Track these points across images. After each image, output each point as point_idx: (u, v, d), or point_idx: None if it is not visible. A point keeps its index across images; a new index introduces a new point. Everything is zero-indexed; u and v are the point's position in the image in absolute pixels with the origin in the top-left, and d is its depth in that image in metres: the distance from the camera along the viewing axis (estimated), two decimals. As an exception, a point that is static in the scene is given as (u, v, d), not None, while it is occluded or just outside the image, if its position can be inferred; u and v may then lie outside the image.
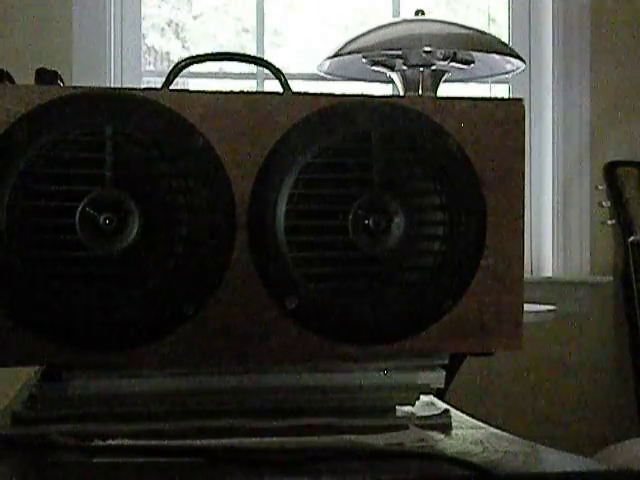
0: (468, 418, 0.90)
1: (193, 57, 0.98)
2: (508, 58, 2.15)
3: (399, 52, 2.11)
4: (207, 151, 0.79)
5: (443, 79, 2.16)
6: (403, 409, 0.88)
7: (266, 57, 2.47)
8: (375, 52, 2.11)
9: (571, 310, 2.70)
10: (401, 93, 2.18)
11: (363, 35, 2.12)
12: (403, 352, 0.84)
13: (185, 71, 0.96)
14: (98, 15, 2.53)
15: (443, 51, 2.10)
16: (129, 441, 0.75)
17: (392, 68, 2.16)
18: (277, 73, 0.94)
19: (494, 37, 2.17)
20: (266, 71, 0.97)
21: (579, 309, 2.72)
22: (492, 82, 2.68)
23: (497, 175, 0.85)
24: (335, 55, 2.15)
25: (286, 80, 0.93)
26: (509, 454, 0.75)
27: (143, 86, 2.56)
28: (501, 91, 2.81)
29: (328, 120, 0.82)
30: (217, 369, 0.82)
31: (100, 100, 0.78)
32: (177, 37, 2.84)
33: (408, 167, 0.83)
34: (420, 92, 2.12)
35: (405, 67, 2.14)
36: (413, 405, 0.88)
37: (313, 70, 2.29)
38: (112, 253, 0.78)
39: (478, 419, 0.89)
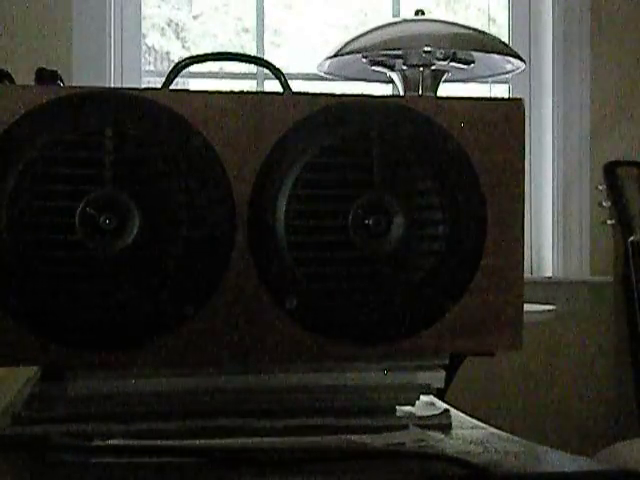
0: (468, 418, 0.90)
1: (193, 57, 0.98)
2: (508, 58, 2.15)
3: (399, 52, 2.11)
4: (207, 151, 0.79)
5: (443, 79, 2.16)
6: (403, 409, 0.88)
7: (266, 57, 2.47)
8: (375, 52, 2.11)
9: (571, 310, 2.70)
10: (401, 93, 2.18)
11: (363, 35, 2.12)
12: (403, 352, 0.84)
13: (185, 71, 0.96)
14: (98, 15, 2.53)
15: (443, 51, 2.10)
16: (129, 441, 0.75)
17: (392, 68, 2.16)
18: (277, 73, 0.94)
19: (494, 37, 2.17)
20: (266, 71, 0.97)
21: (579, 309, 2.72)
22: (492, 82, 2.68)
23: (497, 175, 0.85)
24: (335, 55, 2.14)
25: (286, 80, 0.93)
26: (509, 454, 0.75)
27: (143, 86, 2.56)
28: (501, 91, 2.81)
29: (328, 120, 0.82)
30: (217, 369, 0.82)
31: (100, 100, 0.78)
32: (177, 37, 2.84)
33: (408, 167, 0.83)
34: (420, 92, 2.12)
35: (405, 67, 2.14)
36: (413, 405, 0.88)
37: (313, 70, 2.29)
38: (112, 253, 0.78)
39: (478, 419, 0.89)
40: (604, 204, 2.70)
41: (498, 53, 2.12)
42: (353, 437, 0.79)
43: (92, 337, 0.78)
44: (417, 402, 0.88)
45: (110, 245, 0.78)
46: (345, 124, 0.82)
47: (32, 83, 0.84)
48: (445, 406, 0.91)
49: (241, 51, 2.72)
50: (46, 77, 0.87)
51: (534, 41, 2.78)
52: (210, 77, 2.74)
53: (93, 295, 0.78)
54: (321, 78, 2.31)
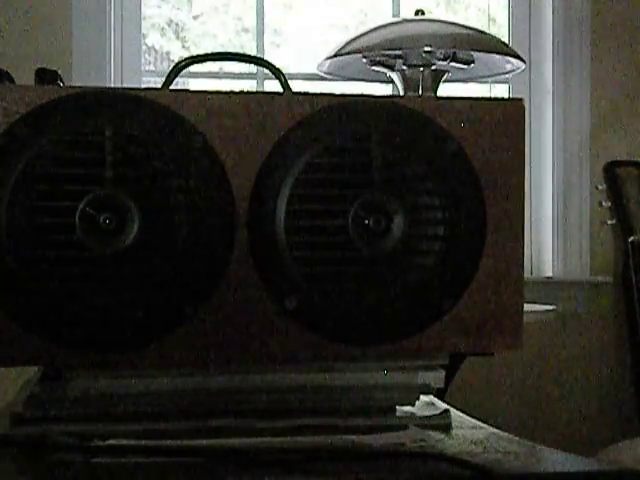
0: (468, 418, 0.90)
1: (193, 57, 0.98)
2: (508, 58, 2.15)
3: (399, 52, 2.12)
4: (207, 151, 0.79)
5: (443, 79, 2.17)
6: (403, 409, 0.88)
7: (266, 57, 2.48)
8: (375, 52, 2.11)
9: (571, 310, 2.70)
10: (401, 93, 2.18)
11: (363, 35, 2.12)
12: (403, 352, 0.84)
13: (185, 71, 0.96)
14: (98, 15, 2.53)
15: (443, 51, 2.10)
16: (129, 441, 0.75)
17: (392, 68, 2.16)
18: (277, 73, 0.94)
19: (494, 37, 2.17)
20: (266, 71, 0.97)
21: (579, 309, 2.72)
22: (492, 82, 2.68)
23: (497, 175, 0.85)
24: (335, 55, 2.15)
25: (286, 80, 0.93)
26: (509, 454, 0.75)
27: (143, 86, 2.56)
28: (501, 91, 2.81)
29: (328, 120, 0.82)
30: (217, 369, 0.82)
31: (100, 100, 0.78)
32: (177, 37, 2.84)
33: (408, 167, 0.83)
34: (420, 92, 2.12)
35: (405, 67, 2.14)
36: (413, 405, 0.88)
37: (313, 70, 2.29)
38: (112, 253, 0.78)
39: (478, 419, 0.89)
40: (604, 204, 2.70)
41: (498, 53, 2.12)
42: (353, 437, 0.79)
43: (92, 337, 0.78)
44: (417, 402, 0.88)
45: (110, 245, 0.78)
46: (345, 124, 0.82)
47: (32, 83, 0.84)
48: (445, 406, 0.91)
49: (241, 51, 2.72)
50: (46, 77, 0.87)
51: (534, 41, 2.78)
52: (210, 77, 2.74)
53: (93, 295, 0.78)
54: (321, 78, 2.32)
